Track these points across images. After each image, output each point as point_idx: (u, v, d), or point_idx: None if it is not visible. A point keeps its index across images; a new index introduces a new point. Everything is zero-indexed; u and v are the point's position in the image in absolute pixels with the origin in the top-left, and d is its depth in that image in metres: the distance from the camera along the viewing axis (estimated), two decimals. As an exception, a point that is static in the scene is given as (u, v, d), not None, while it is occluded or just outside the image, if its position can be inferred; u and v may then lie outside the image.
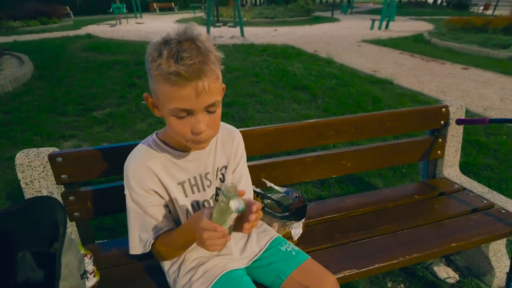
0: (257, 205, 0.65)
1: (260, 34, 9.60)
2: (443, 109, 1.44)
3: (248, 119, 3.26)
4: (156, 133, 0.81)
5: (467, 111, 3.29)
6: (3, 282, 0.77)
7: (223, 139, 0.86)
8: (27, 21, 11.44)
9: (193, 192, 0.82)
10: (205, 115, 0.67)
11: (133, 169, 0.76)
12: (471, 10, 19.17)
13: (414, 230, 1.18)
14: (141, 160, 0.76)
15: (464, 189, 1.43)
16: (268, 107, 3.59)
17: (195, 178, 0.82)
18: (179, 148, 0.79)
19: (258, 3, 21.30)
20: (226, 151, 0.86)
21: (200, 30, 0.65)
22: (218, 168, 0.85)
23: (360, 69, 5.38)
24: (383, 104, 3.64)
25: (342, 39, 8.62)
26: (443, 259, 1.54)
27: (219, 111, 0.70)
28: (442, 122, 1.45)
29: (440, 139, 1.48)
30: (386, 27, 10.81)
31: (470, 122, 1.42)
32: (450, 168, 1.55)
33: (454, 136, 1.49)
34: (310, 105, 3.68)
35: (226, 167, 0.87)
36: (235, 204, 0.60)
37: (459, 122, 1.43)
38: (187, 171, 0.81)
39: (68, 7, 16.60)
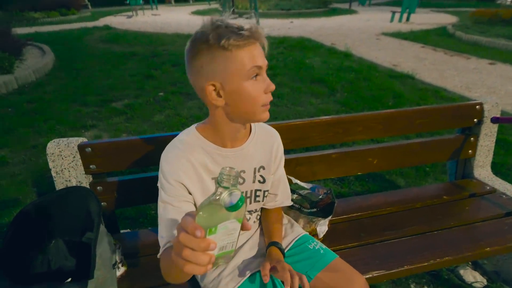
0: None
1: (276, 26, 9.43)
2: (477, 107, 1.37)
3: (265, 112, 3.23)
4: (196, 127, 0.79)
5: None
6: (39, 269, 0.79)
7: (263, 139, 0.85)
8: (47, 12, 11.68)
9: None
10: None
11: (171, 158, 0.74)
12: (498, 2, 18.20)
13: (444, 232, 1.14)
14: (179, 151, 0.75)
15: (497, 191, 1.37)
16: (285, 101, 3.54)
17: None
18: (218, 143, 0.77)
19: (273, -6, 20.94)
20: (265, 152, 0.85)
21: None
22: (255, 168, 0.83)
23: (379, 63, 5.22)
24: (405, 100, 3.53)
25: (361, 32, 8.36)
26: (470, 262, 1.49)
27: None
28: (475, 120, 1.38)
29: (472, 138, 1.41)
30: (407, 19, 10.39)
31: (508, 121, 1.35)
32: (481, 169, 1.48)
33: (488, 135, 1.41)
34: (328, 99, 3.60)
35: (264, 168, 0.85)
36: (227, 197, 0.42)
37: (494, 120, 1.36)
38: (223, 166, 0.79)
39: (86, -1, 16.84)
